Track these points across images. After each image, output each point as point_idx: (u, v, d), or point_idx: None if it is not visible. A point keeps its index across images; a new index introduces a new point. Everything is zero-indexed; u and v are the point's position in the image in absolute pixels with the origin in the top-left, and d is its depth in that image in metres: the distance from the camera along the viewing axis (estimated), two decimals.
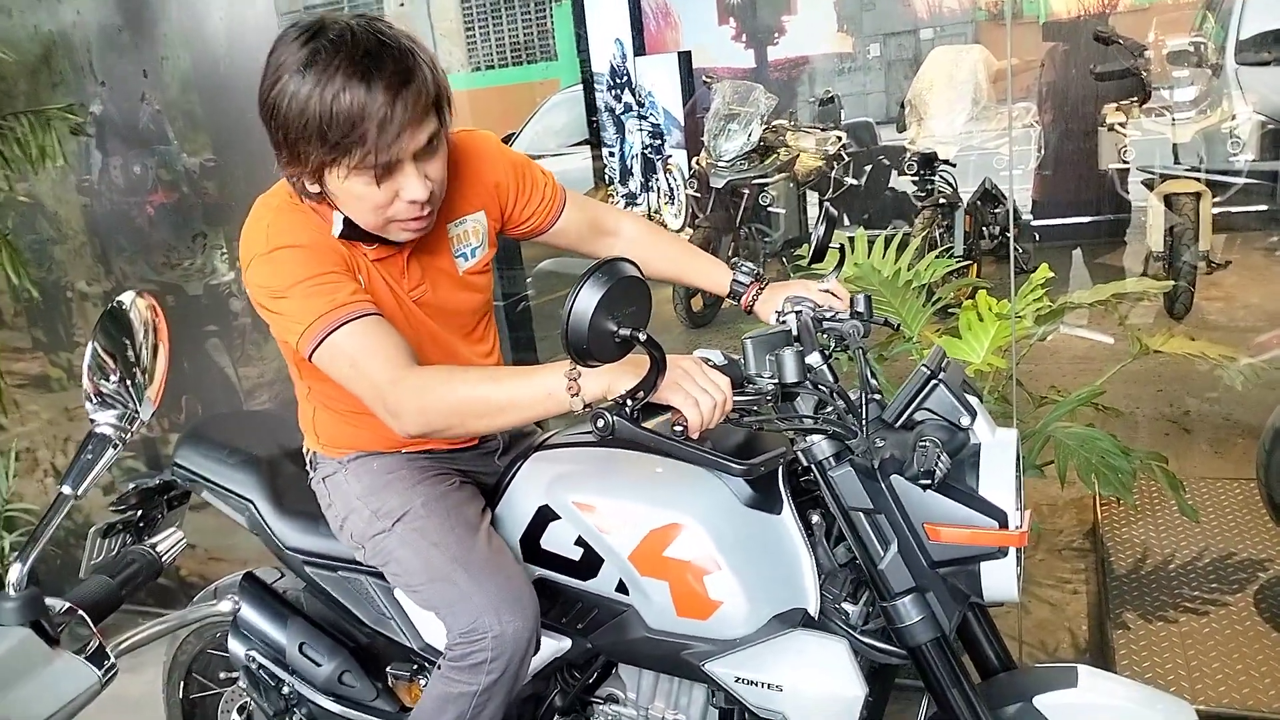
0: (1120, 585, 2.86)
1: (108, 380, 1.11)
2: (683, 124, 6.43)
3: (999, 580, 1.32)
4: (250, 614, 1.85)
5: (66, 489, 1.05)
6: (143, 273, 3.27)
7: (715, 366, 1.32)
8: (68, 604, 0.92)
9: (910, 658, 1.39)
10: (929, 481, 1.25)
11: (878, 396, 1.37)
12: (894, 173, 5.96)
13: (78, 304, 3.40)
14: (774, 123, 6.17)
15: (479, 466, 1.71)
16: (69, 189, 3.29)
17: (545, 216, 1.70)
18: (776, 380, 1.30)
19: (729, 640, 1.43)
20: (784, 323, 1.48)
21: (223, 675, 2.09)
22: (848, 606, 1.44)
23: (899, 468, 1.32)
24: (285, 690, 1.84)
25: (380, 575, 1.66)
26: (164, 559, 1.09)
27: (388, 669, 1.81)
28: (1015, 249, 5.41)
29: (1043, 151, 6.05)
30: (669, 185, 6.37)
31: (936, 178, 5.25)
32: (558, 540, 1.55)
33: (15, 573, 0.91)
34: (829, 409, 1.34)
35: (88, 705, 0.86)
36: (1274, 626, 2.60)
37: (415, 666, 1.77)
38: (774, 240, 6.02)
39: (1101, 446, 2.53)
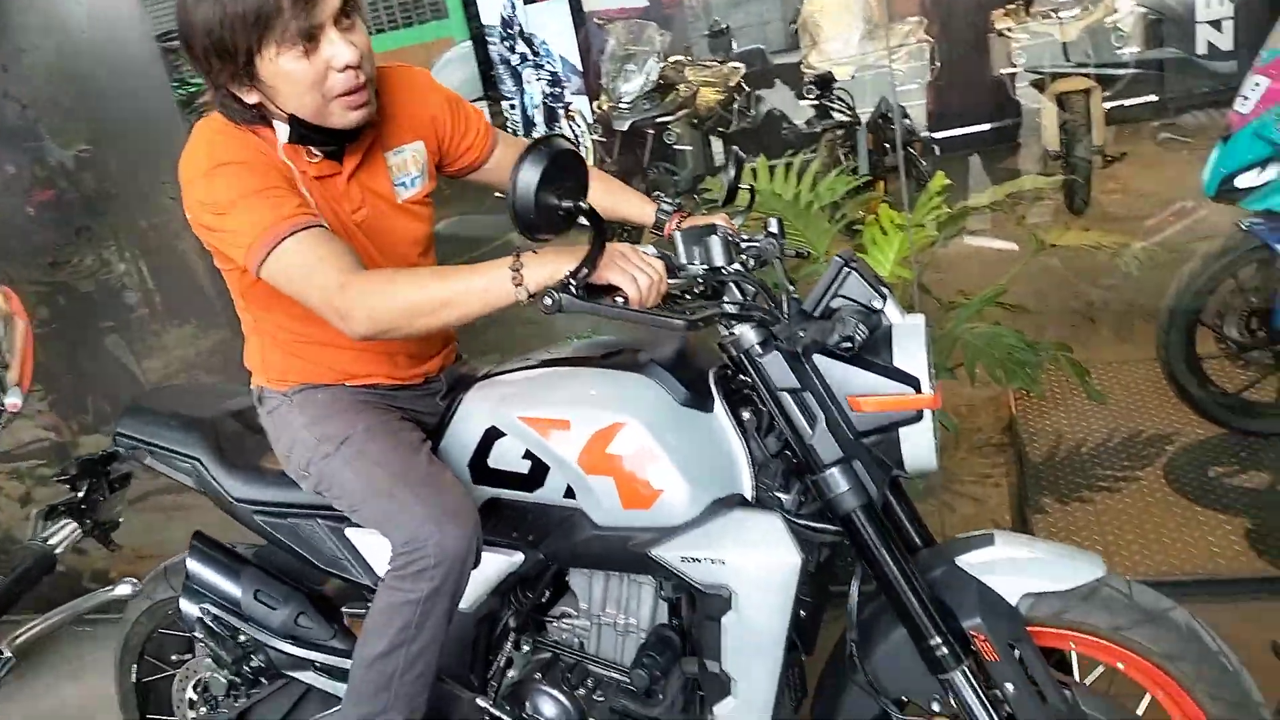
0: (1037, 472, 2.97)
1: None
2: (581, 70, 6.35)
3: (918, 447, 1.44)
4: (201, 569, 1.89)
5: None
6: (30, 275, 3.14)
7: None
8: None
9: (842, 529, 1.47)
10: (850, 345, 1.37)
11: (795, 297, 1.47)
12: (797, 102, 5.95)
13: None
14: (671, 59, 6.13)
15: (420, 406, 1.76)
16: None
17: (480, 151, 1.75)
18: (706, 265, 1.41)
19: (672, 527, 1.51)
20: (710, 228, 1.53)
21: (174, 657, 2.11)
22: (780, 495, 1.52)
23: (821, 349, 1.42)
24: (241, 638, 1.88)
25: (330, 516, 1.72)
26: (56, 551, 1.07)
27: (343, 609, 1.87)
28: (911, 162, 5.49)
29: (937, 64, 6.08)
30: (573, 132, 6.29)
31: (835, 100, 5.25)
32: (505, 457, 1.61)
33: None
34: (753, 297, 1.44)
35: None
36: (1183, 496, 2.73)
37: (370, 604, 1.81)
38: (682, 178, 6.00)
39: (1007, 343, 2.60)
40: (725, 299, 1.44)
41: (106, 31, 2.92)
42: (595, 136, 6.15)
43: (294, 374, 1.69)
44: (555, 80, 6.11)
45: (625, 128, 5.82)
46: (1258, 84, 2.59)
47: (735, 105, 6.12)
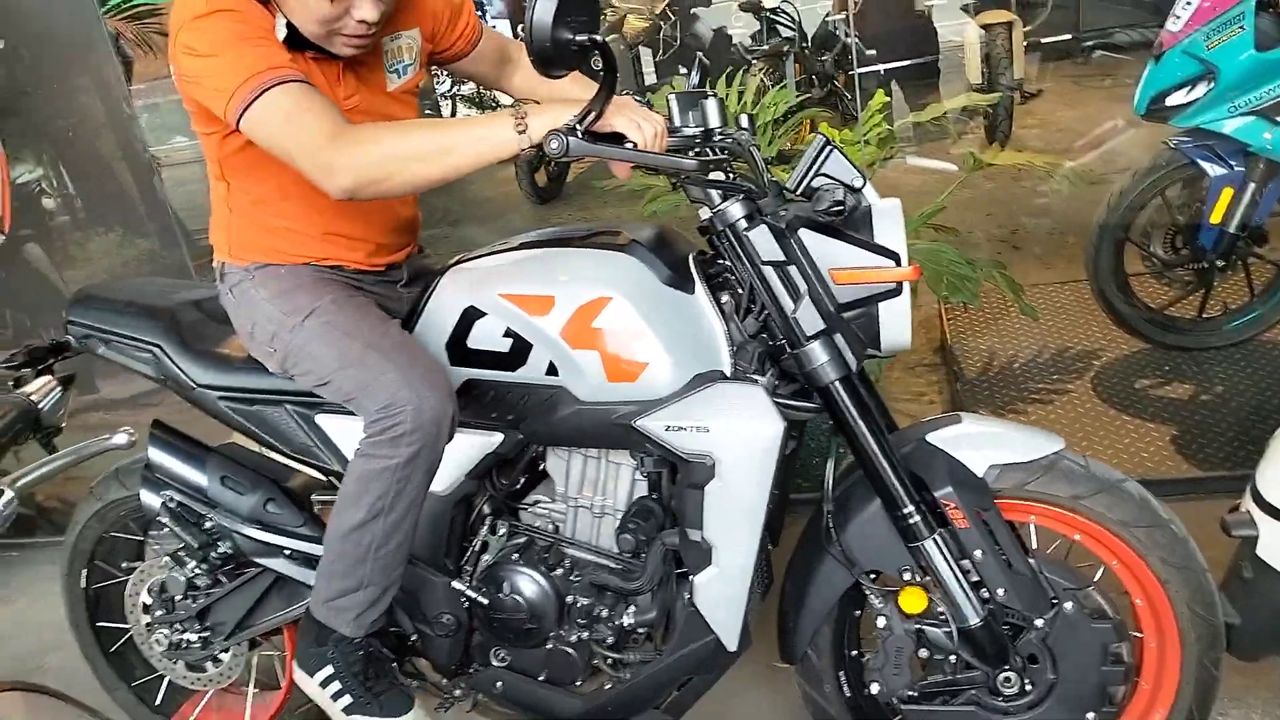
0: (971, 388, 3.08)
1: None
2: None
3: (895, 320, 1.49)
4: (164, 457, 1.86)
5: None
6: None
7: None
8: None
9: (821, 400, 1.52)
10: (841, 209, 1.41)
11: (775, 179, 1.51)
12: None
13: None
14: None
15: (384, 292, 1.74)
16: None
17: (468, 40, 1.74)
18: (702, 127, 1.43)
19: (656, 400, 1.53)
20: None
21: (124, 564, 2.06)
22: (756, 377, 1.55)
23: (806, 223, 1.46)
24: (208, 525, 1.85)
25: (299, 402, 1.70)
26: (41, 406, 1.03)
27: (312, 496, 1.87)
28: (836, 92, 5.53)
29: None
30: None
31: (779, 19, 5.23)
32: (485, 336, 1.61)
33: None
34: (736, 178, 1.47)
35: None
36: (1110, 405, 2.87)
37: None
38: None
39: (947, 258, 2.67)
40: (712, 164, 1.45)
41: None
42: None
43: (258, 251, 1.65)
44: (479, 5, 5.97)
45: None
46: (1189, 3, 2.67)
47: (662, 32, 6.07)
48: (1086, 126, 5.29)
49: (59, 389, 1.07)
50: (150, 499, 1.86)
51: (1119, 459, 2.61)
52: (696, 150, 1.45)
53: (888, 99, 2.97)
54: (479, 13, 5.87)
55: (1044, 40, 5.86)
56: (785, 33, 5.25)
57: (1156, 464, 2.59)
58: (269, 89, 1.34)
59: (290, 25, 1.45)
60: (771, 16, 5.22)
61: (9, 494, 0.85)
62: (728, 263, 1.55)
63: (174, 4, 1.42)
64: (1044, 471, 1.51)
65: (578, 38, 1.26)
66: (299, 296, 1.61)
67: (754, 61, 5.96)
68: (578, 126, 1.31)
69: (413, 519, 1.57)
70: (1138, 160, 2.97)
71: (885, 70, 6.19)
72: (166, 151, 4.15)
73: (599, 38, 1.29)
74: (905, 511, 1.49)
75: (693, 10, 6.09)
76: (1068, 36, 6.07)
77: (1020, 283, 2.76)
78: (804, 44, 5.33)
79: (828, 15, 5.65)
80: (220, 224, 1.69)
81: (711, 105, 1.45)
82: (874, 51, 5.50)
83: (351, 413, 1.65)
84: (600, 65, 1.31)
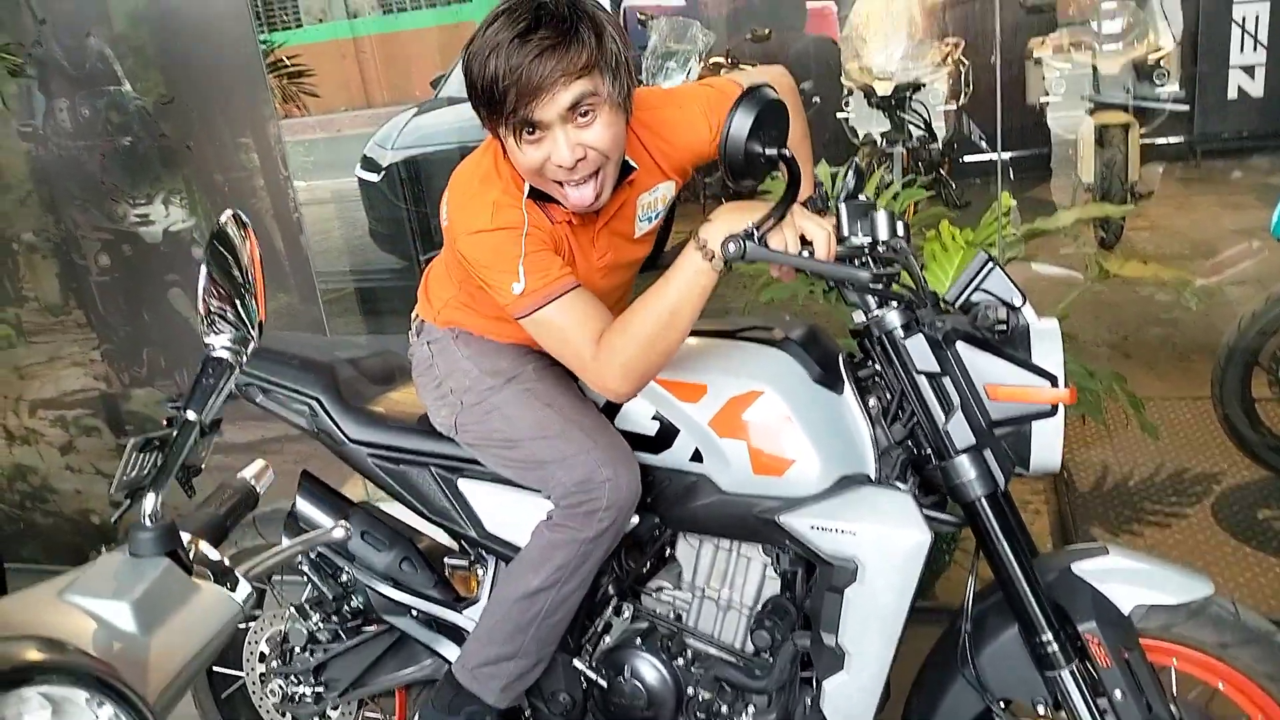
0: (1084, 502, 3.02)
1: (219, 303, 1.09)
2: None
3: (1047, 442, 1.49)
4: (310, 508, 1.91)
5: (191, 415, 1.04)
6: (95, 220, 3.14)
7: None
8: (189, 534, 0.91)
9: (965, 515, 1.51)
10: (1005, 329, 1.42)
11: (932, 290, 1.53)
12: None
13: (25, 257, 3.26)
14: (711, 60, 6.14)
15: None
16: (10, 135, 3.13)
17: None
18: (871, 238, 1.46)
19: (801, 497, 1.55)
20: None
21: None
22: (899, 484, 1.55)
23: (963, 336, 1.48)
24: (344, 578, 1.91)
25: (443, 465, 1.77)
26: (259, 488, 1.09)
27: (445, 559, 1.91)
28: (941, 183, 5.53)
29: (970, 87, 6.11)
30: None
31: (908, 113, 5.27)
32: (633, 418, 1.65)
33: (150, 503, 0.90)
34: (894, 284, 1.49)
35: (231, 631, 0.87)
36: (1232, 534, 2.78)
37: (473, 557, 1.87)
38: (715, 179, 6.02)
39: (1070, 370, 2.64)
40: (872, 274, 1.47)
41: None
42: None
43: (469, 327, 1.73)
44: None
45: None
46: None
47: None
48: (1199, 233, 5.21)
49: (271, 473, 1.13)
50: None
51: (1240, 592, 2.52)
52: (863, 260, 1.47)
53: (1013, 201, 2.97)
54: None
55: (1156, 142, 5.81)
56: (916, 133, 5.28)
57: None
58: (546, 304, 1.45)
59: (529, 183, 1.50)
60: (904, 117, 5.26)
61: (248, 587, 0.90)
62: (878, 367, 1.56)
63: (458, 192, 1.53)
64: (1191, 615, 1.48)
65: (768, 151, 1.32)
66: (501, 360, 1.68)
67: (861, 147, 6.02)
68: (755, 231, 1.35)
69: (580, 596, 1.62)
70: (1267, 280, 2.92)
71: (990, 160, 6.20)
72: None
73: (788, 152, 1.35)
74: (1044, 639, 1.47)
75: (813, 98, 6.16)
76: (1179, 139, 6.01)
77: (1138, 396, 2.72)
78: (934, 143, 5.34)
79: (942, 106, 5.67)
80: (438, 293, 1.77)
81: (882, 218, 1.47)
82: (984, 141, 5.51)
83: (495, 479, 1.71)
84: (786, 171, 1.37)
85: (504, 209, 1.48)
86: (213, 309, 1.09)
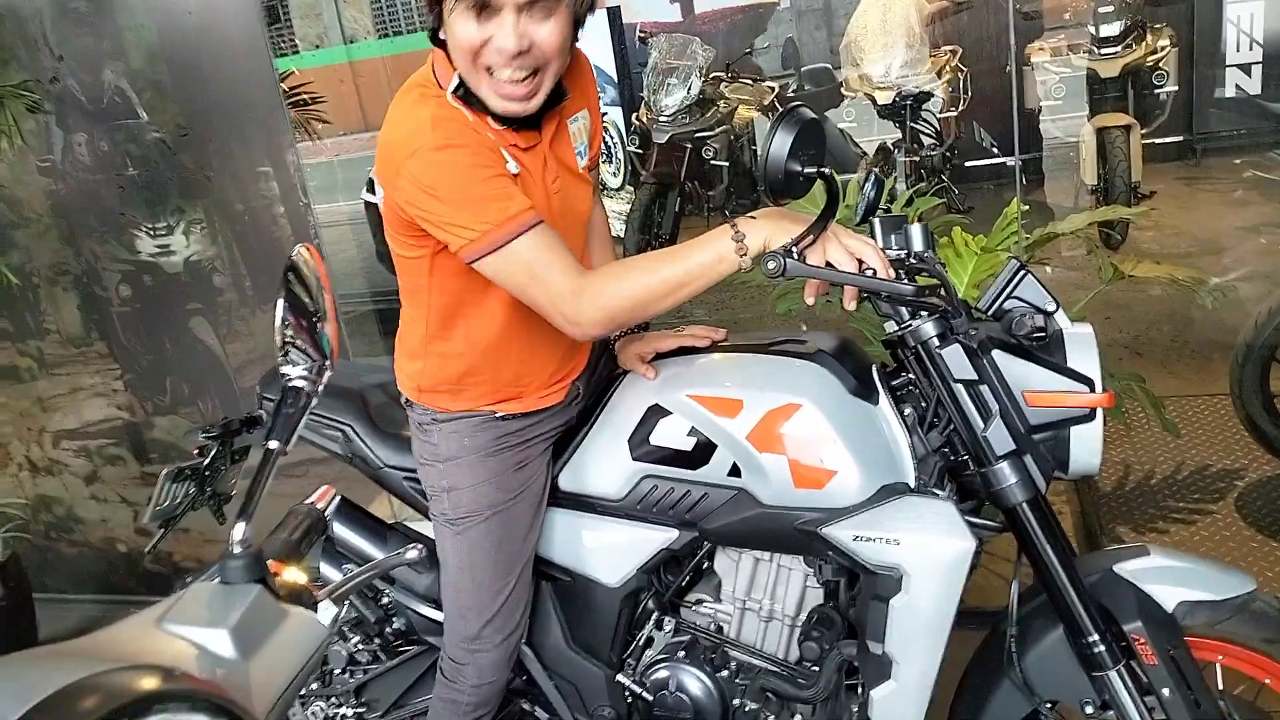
0: (1107, 502, 3.03)
1: (295, 334, 1.11)
2: (616, 81, 6.39)
3: (1086, 446, 1.50)
4: (346, 532, 1.94)
5: (274, 444, 1.06)
6: (116, 252, 3.16)
7: None
8: (271, 560, 0.93)
9: (1006, 520, 1.52)
10: (1043, 336, 1.44)
11: (963, 299, 1.54)
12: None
13: (45, 290, 3.28)
14: (711, 75, 6.19)
15: (557, 422, 1.77)
16: (29, 170, 3.16)
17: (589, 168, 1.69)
18: (906, 250, 1.48)
19: (842, 509, 1.55)
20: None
21: None
22: (938, 491, 1.56)
23: (1000, 344, 1.49)
24: (384, 601, 1.93)
25: None
26: (327, 514, 1.11)
27: None
28: (945, 189, 5.57)
29: (968, 93, 6.16)
30: (606, 144, 6.32)
31: (919, 122, 5.30)
32: (669, 435, 1.66)
33: (240, 530, 0.91)
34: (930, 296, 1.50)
35: (323, 654, 0.88)
36: (1257, 530, 2.79)
37: None
38: (718, 194, 6.07)
39: None
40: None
41: (211, 14, 2.96)
42: (632, 148, 6.21)
43: (444, 402, 1.69)
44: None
45: (664, 140, 5.87)
46: None
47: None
48: (1203, 231, 5.24)
49: (338, 496, 1.15)
50: (330, 572, 1.93)
51: (1270, 586, 2.53)
52: (901, 271, 1.48)
53: (1025, 207, 3.00)
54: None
55: (1156, 141, 5.85)
56: (928, 142, 5.32)
57: None
58: (509, 241, 1.37)
59: (462, 80, 1.44)
60: (916, 127, 5.30)
61: (333, 609, 0.92)
62: (911, 376, 1.58)
63: (391, 121, 1.44)
64: (1235, 612, 1.49)
65: (807, 170, 1.35)
66: (463, 496, 1.68)
67: (865, 155, 6.07)
68: (794, 249, 1.37)
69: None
70: (1277, 276, 2.94)
71: (987, 165, 6.24)
72: None
73: (826, 170, 1.37)
74: (1090, 640, 1.48)
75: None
76: (1179, 139, 6.05)
77: (1156, 394, 2.74)
78: (945, 153, 5.36)
79: (941, 113, 5.72)
80: (412, 353, 1.70)
81: (916, 231, 1.49)
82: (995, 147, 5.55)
83: None
84: (826, 189, 1.40)
85: (445, 123, 1.42)
86: (288, 339, 1.11)
